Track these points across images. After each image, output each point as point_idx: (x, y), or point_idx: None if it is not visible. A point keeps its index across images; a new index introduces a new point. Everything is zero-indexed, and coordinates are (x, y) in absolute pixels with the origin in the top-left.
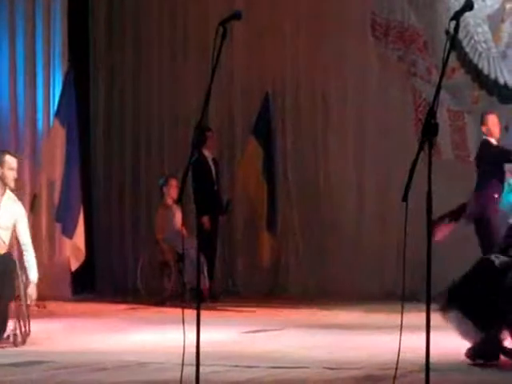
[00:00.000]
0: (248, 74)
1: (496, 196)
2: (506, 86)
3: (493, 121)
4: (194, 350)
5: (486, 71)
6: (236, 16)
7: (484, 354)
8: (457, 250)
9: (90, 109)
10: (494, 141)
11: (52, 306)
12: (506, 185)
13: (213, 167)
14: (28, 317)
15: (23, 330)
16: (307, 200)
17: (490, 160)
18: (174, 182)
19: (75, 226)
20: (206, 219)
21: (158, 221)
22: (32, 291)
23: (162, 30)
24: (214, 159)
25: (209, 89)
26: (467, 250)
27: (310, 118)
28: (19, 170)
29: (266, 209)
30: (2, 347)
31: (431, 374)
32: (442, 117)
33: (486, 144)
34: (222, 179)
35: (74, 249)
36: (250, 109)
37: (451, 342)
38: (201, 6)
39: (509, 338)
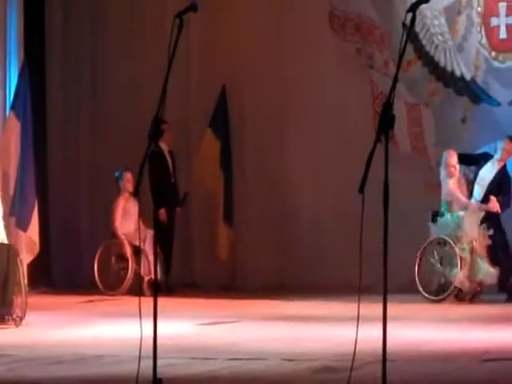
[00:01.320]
0: (205, 66)
1: None
2: (462, 78)
3: None
4: (151, 342)
5: (442, 64)
6: (192, 8)
7: None
8: (412, 241)
9: (47, 102)
10: None
11: None
12: None
13: (170, 160)
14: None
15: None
16: (265, 192)
17: None
18: (129, 176)
19: (30, 219)
20: (162, 212)
21: (115, 214)
22: None
23: (119, 22)
24: (170, 152)
25: (165, 81)
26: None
27: (268, 110)
28: None
29: (223, 201)
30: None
31: (388, 364)
32: (399, 109)
33: None
34: (178, 172)
35: (28, 242)
36: (207, 101)
37: (408, 333)
38: None
39: None
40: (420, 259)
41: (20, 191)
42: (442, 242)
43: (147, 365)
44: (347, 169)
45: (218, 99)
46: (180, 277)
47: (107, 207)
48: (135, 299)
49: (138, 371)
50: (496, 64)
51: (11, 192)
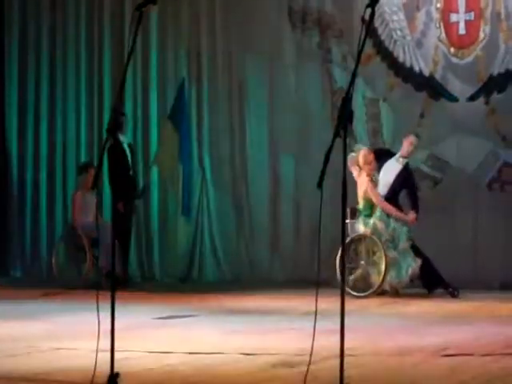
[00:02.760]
0: (164, 58)
1: None
2: (421, 73)
3: None
4: (109, 335)
5: (401, 59)
6: (151, 0)
7: None
8: None
9: (5, 94)
10: None
11: None
12: None
13: (128, 152)
14: None
15: None
16: (223, 185)
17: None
18: (91, 168)
19: None
20: (121, 204)
21: (74, 206)
22: None
23: (78, 14)
24: (129, 144)
25: (124, 73)
26: None
27: (227, 102)
28: None
29: (181, 193)
30: None
31: (346, 359)
32: (358, 104)
33: None
34: (137, 164)
35: None
36: (165, 93)
37: (367, 328)
38: None
39: None
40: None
41: None
42: (363, 238)
43: (104, 358)
44: (306, 162)
45: (176, 91)
46: (138, 269)
47: (66, 199)
48: (93, 292)
49: (96, 365)
50: (455, 60)
51: None
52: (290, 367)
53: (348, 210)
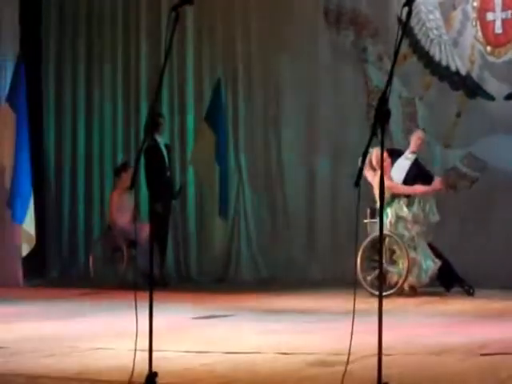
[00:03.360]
0: (200, 59)
1: None
2: (457, 72)
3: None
4: (147, 335)
5: (437, 58)
6: (188, 0)
7: None
8: None
9: (43, 94)
10: None
11: (2, 291)
12: None
13: (165, 153)
14: None
15: None
16: (259, 186)
17: None
18: (127, 169)
19: (26, 212)
20: (158, 205)
21: (111, 206)
22: None
23: (115, 15)
24: (166, 145)
25: (161, 74)
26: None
27: (263, 103)
28: None
29: (218, 194)
30: None
31: (383, 358)
32: (394, 103)
33: None
34: (174, 165)
35: (24, 234)
36: (202, 94)
37: (404, 327)
38: None
39: None
40: (362, 255)
41: (16, 184)
42: (384, 238)
43: (142, 358)
44: (341, 163)
45: (213, 92)
46: (175, 269)
47: (103, 200)
48: (130, 292)
49: (134, 364)
50: (491, 59)
51: (7, 185)
52: (328, 366)
53: (368, 211)
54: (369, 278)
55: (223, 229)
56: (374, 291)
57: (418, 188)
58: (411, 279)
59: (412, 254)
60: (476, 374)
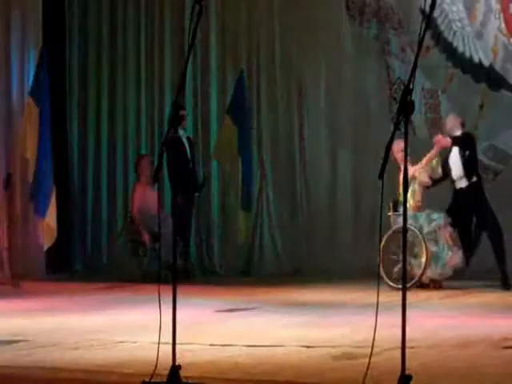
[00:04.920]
0: (223, 51)
1: None
2: (480, 64)
3: None
4: (170, 328)
5: (460, 50)
6: None
7: None
8: None
9: (66, 88)
10: None
11: (26, 285)
12: None
13: (188, 145)
14: None
15: None
16: (282, 178)
17: None
18: (148, 161)
19: (48, 206)
20: (180, 198)
21: (134, 199)
22: None
23: (138, 8)
24: (188, 138)
25: (185, 66)
26: None
27: (285, 96)
28: None
29: (241, 187)
30: None
31: (407, 351)
32: (417, 95)
33: None
34: (197, 157)
35: (46, 228)
36: (224, 87)
37: (427, 320)
38: None
39: None
40: (383, 249)
41: (39, 177)
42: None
43: (166, 351)
44: (364, 154)
45: (235, 85)
46: (198, 262)
47: (127, 193)
48: (153, 285)
49: (158, 357)
50: None
51: (30, 178)
52: (352, 359)
53: (390, 204)
54: (392, 271)
55: (246, 222)
56: (394, 284)
57: (429, 154)
58: (431, 272)
59: (432, 248)
60: (499, 367)
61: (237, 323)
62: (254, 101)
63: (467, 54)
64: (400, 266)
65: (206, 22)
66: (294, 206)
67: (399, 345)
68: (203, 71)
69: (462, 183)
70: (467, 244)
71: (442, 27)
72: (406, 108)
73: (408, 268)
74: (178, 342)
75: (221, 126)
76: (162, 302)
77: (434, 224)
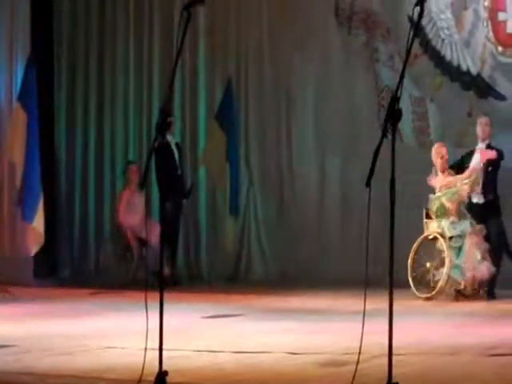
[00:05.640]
0: (211, 59)
1: None
2: (468, 72)
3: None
4: (157, 334)
5: (448, 58)
6: (199, 0)
7: None
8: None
9: (54, 94)
10: None
11: (14, 290)
12: None
13: (176, 152)
14: None
15: None
16: (270, 185)
17: None
18: (135, 168)
19: (35, 211)
20: (168, 204)
21: (121, 206)
22: None
23: (127, 15)
24: (177, 144)
25: (173, 73)
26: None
27: (273, 103)
28: None
29: (228, 193)
30: None
31: (394, 358)
32: (405, 103)
33: None
34: (185, 163)
35: (33, 233)
36: (213, 93)
37: (415, 327)
38: None
39: None
40: (412, 256)
41: (26, 183)
42: (433, 239)
43: (153, 357)
44: (352, 161)
45: (223, 92)
46: (185, 269)
47: (114, 199)
48: (141, 291)
49: (144, 363)
50: (502, 59)
51: (18, 183)
52: (338, 366)
53: (424, 211)
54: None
55: (234, 228)
56: (417, 292)
57: (471, 167)
58: (455, 282)
59: (453, 256)
60: (485, 375)
61: (224, 329)
62: (243, 107)
63: (455, 62)
64: (418, 273)
65: (194, 29)
66: (282, 212)
67: (386, 352)
68: (191, 77)
69: (479, 199)
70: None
71: (431, 35)
72: (393, 115)
73: (430, 277)
74: (164, 348)
75: (209, 133)
76: (149, 308)
77: (458, 231)
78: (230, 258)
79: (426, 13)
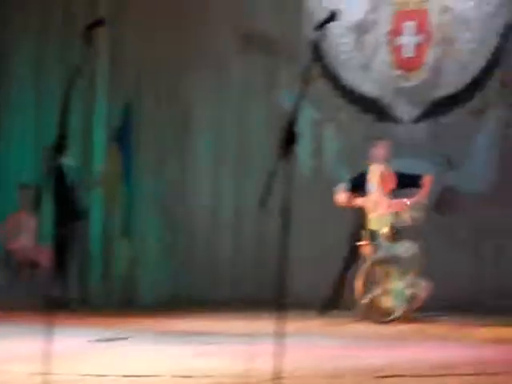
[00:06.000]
0: (110, 80)
1: None
2: (367, 96)
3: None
4: (46, 358)
5: (348, 81)
6: (99, 23)
7: None
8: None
9: None
10: None
11: None
12: None
13: (71, 174)
14: None
15: None
16: (164, 208)
17: None
18: (28, 190)
19: None
20: (62, 226)
21: (7, 228)
22: None
23: (26, 33)
24: (72, 166)
25: (66, 95)
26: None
27: (171, 124)
28: None
29: (123, 215)
30: None
31: (284, 382)
32: (303, 126)
33: None
34: (80, 186)
35: None
36: (110, 115)
37: (306, 350)
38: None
39: None
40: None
41: None
42: (382, 261)
43: (41, 381)
44: (248, 184)
45: (122, 115)
46: (77, 292)
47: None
48: (30, 315)
49: None
50: (401, 83)
51: None
52: None
53: (363, 232)
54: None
55: (126, 251)
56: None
57: (420, 193)
58: (400, 306)
59: (398, 281)
60: None
61: (113, 353)
62: (140, 129)
63: (354, 86)
64: (367, 298)
65: (93, 50)
66: (175, 235)
67: (274, 376)
68: (89, 99)
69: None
70: None
71: (330, 58)
72: (289, 138)
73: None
74: (52, 372)
75: (106, 155)
76: (38, 331)
77: (408, 254)
78: (121, 281)
79: (326, 36)
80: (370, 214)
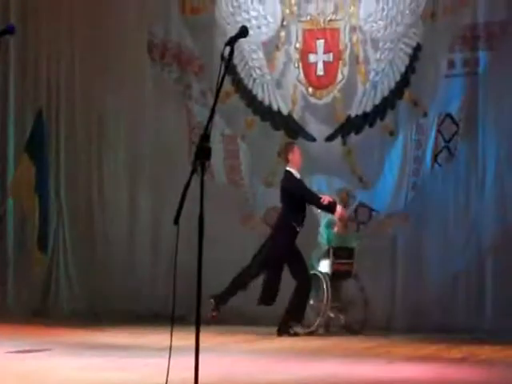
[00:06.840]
0: (22, 89)
1: (297, 230)
2: (279, 112)
3: (298, 152)
4: None
5: (260, 97)
6: (9, 30)
7: None
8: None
9: None
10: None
11: None
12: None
13: None
14: None
15: None
16: (80, 219)
17: (293, 191)
18: None
19: None
20: None
21: None
22: None
23: None
24: None
25: None
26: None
27: (85, 135)
28: None
29: (37, 226)
30: None
31: None
32: (216, 141)
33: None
34: None
35: None
36: (23, 125)
37: (223, 365)
38: None
39: None
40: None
41: None
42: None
43: None
44: (163, 197)
45: (34, 123)
46: None
47: None
48: None
49: None
50: (313, 100)
51: None
52: None
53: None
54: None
55: (42, 260)
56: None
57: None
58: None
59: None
60: None
61: (30, 365)
62: (53, 139)
63: (266, 102)
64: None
65: (5, 59)
66: (92, 246)
67: None
68: (1, 108)
69: None
70: None
71: (242, 74)
72: (202, 153)
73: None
74: None
75: (18, 164)
76: None
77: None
78: (37, 292)
79: (238, 51)
80: None
